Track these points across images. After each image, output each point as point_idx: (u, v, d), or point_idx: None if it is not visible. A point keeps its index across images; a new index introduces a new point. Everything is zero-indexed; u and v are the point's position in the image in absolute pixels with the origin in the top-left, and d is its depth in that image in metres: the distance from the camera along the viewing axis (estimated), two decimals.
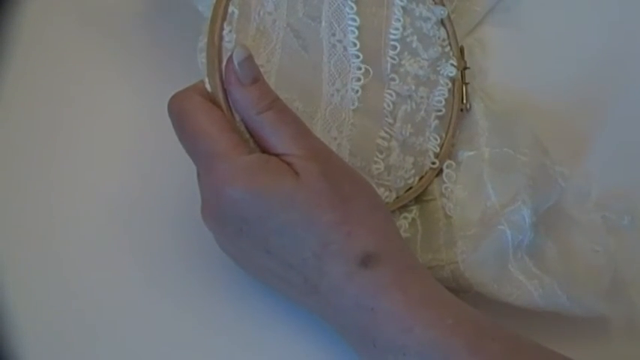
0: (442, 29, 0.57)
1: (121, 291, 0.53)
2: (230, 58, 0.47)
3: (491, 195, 0.54)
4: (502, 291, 0.52)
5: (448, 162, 0.56)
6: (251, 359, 0.52)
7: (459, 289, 0.53)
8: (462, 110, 0.57)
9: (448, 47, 0.57)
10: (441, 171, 0.56)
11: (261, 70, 0.50)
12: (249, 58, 0.47)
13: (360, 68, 0.53)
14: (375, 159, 0.53)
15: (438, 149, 0.56)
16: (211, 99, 0.48)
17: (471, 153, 0.56)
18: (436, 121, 0.56)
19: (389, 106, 0.54)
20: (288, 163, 0.47)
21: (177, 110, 0.48)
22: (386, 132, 0.54)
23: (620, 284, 0.54)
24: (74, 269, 0.53)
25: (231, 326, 0.52)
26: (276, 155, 0.47)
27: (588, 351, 0.53)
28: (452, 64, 0.57)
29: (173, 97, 0.48)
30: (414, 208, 0.55)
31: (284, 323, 0.52)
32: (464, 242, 0.53)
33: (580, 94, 0.60)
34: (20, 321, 0.51)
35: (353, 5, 0.53)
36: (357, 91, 0.53)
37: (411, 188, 0.55)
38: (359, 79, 0.53)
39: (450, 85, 0.57)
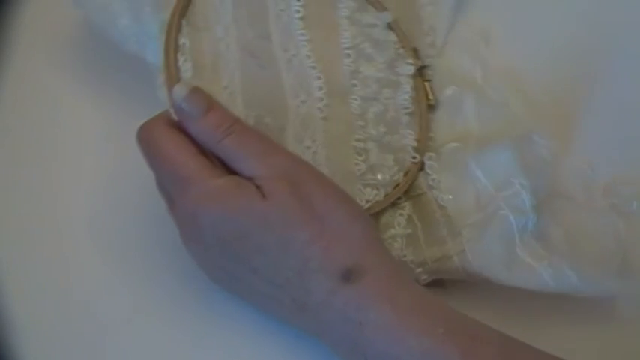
0: (391, 33, 0.58)
1: (120, 292, 0.53)
2: (174, 100, 0.48)
3: (480, 177, 0.54)
4: (511, 275, 0.52)
5: (428, 154, 0.56)
6: None
7: (469, 278, 0.53)
8: (430, 106, 0.58)
9: (401, 49, 0.58)
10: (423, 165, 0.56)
11: (227, 90, 0.51)
12: (192, 92, 0.48)
13: (319, 78, 0.54)
14: (356, 161, 0.54)
15: (416, 144, 0.56)
16: (178, 126, 0.49)
17: (457, 144, 0.56)
18: (407, 117, 0.56)
19: (357, 110, 0.55)
20: (258, 186, 0.47)
21: (145, 139, 0.49)
22: (360, 134, 0.54)
23: (630, 267, 0.54)
24: (74, 269, 0.53)
25: (226, 329, 0.52)
26: (248, 179, 0.47)
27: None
28: (408, 63, 0.58)
29: (141, 127, 0.49)
30: (407, 205, 0.55)
31: (275, 337, 0.52)
32: (468, 231, 0.53)
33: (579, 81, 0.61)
34: (20, 321, 0.51)
35: (298, 22, 0.55)
36: (322, 99, 0.54)
37: (398, 185, 0.55)
38: (321, 88, 0.54)
39: (412, 82, 0.57)
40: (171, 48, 0.51)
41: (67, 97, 0.58)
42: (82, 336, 0.51)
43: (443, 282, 0.54)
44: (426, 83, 0.58)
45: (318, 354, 0.50)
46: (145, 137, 0.49)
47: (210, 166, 0.48)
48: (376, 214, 0.54)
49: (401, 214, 0.54)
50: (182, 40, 0.51)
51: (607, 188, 0.56)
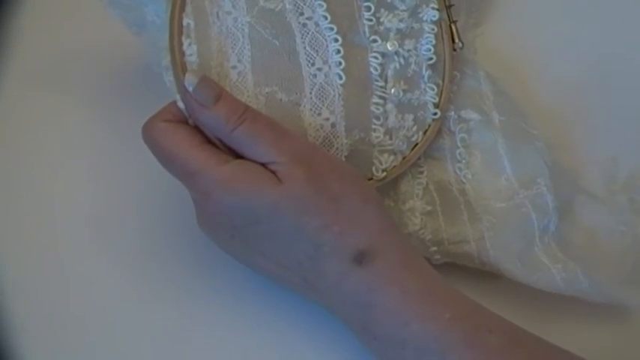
0: None
1: (119, 292, 0.53)
2: (184, 88, 0.47)
3: (506, 168, 0.53)
4: (525, 272, 0.52)
5: (461, 125, 0.54)
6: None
7: (481, 267, 0.53)
8: (455, 50, 0.55)
9: None
10: (446, 125, 0.54)
11: (235, 71, 0.49)
12: (202, 81, 0.47)
13: (337, 40, 0.51)
14: (374, 126, 0.52)
15: (437, 98, 0.54)
16: (184, 117, 0.48)
17: (480, 117, 0.54)
18: (429, 71, 0.54)
19: (376, 69, 0.52)
20: (273, 171, 0.46)
21: (148, 140, 0.48)
22: (379, 97, 0.52)
23: None
24: (73, 270, 0.54)
25: (230, 323, 0.53)
26: (262, 165, 0.47)
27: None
28: (433, 7, 0.54)
29: (142, 130, 0.48)
30: (425, 169, 0.54)
31: (288, 322, 0.53)
32: (489, 219, 0.53)
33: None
34: (20, 321, 0.52)
35: None
36: (340, 64, 0.51)
37: (416, 145, 0.53)
38: (338, 52, 0.51)
39: (437, 29, 0.54)
40: (176, 29, 0.48)
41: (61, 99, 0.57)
42: (82, 336, 0.52)
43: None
44: (453, 25, 0.55)
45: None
46: (148, 138, 0.48)
47: (216, 154, 0.47)
48: (396, 181, 0.53)
49: (419, 183, 0.53)
50: (187, 21, 0.48)
51: (626, 183, 0.55)
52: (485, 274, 0.54)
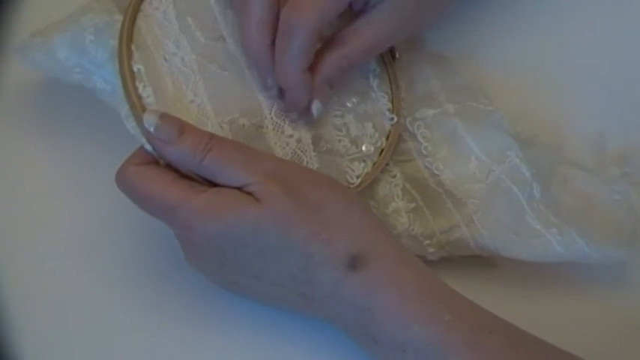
0: None
1: (120, 292, 0.53)
2: (145, 129, 0.47)
3: (473, 148, 0.54)
4: (521, 244, 0.52)
5: (418, 122, 0.55)
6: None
7: (478, 251, 0.53)
8: (394, 58, 0.57)
9: None
10: (406, 128, 0.56)
11: (194, 104, 0.50)
12: (162, 118, 0.48)
13: None
14: (338, 138, 0.53)
15: (390, 105, 0.55)
16: (154, 159, 0.48)
17: (435, 111, 0.56)
18: (376, 80, 0.55)
19: None
20: (249, 193, 0.46)
21: (123, 186, 0.48)
22: (337, 109, 0.53)
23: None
24: (73, 270, 0.53)
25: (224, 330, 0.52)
26: (237, 189, 0.47)
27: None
28: None
29: (116, 178, 0.48)
30: (397, 172, 0.55)
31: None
32: (473, 202, 0.53)
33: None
34: (20, 321, 0.51)
35: None
36: None
37: (382, 150, 0.54)
38: None
39: None
40: (128, 77, 0.49)
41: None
42: (82, 336, 0.52)
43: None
44: None
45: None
46: (122, 183, 0.48)
47: (191, 186, 0.47)
48: (373, 188, 0.54)
49: (396, 185, 0.54)
50: (136, 67, 0.49)
51: (620, 157, 0.57)
52: (478, 274, 0.54)
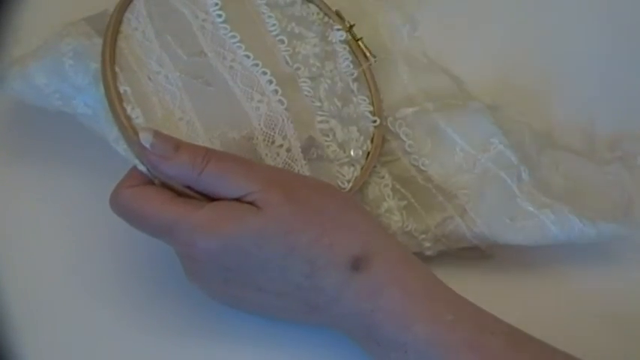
0: (310, 5, 0.57)
1: (120, 292, 0.52)
2: (142, 147, 0.47)
3: (456, 140, 0.55)
4: (516, 227, 0.53)
5: (399, 121, 0.56)
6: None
7: (475, 241, 0.54)
8: (370, 63, 0.57)
9: (326, 17, 0.57)
10: (388, 129, 0.56)
11: (183, 122, 0.50)
12: (157, 134, 0.47)
13: (265, 73, 0.52)
14: (327, 143, 0.53)
15: (372, 107, 0.56)
16: (148, 179, 0.48)
17: (414, 108, 0.56)
18: (356, 84, 0.56)
19: (309, 92, 0.54)
20: (250, 202, 0.46)
21: (118, 209, 0.48)
22: (321, 115, 0.53)
23: (633, 217, 0.55)
24: (73, 272, 0.53)
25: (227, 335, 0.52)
26: (237, 200, 0.47)
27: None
28: (338, 29, 0.57)
29: (110, 201, 0.48)
30: (385, 173, 0.55)
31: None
32: (464, 193, 0.54)
33: None
34: (20, 321, 0.51)
35: (226, 25, 0.53)
36: (277, 92, 0.52)
37: (369, 153, 0.55)
38: (271, 82, 0.52)
39: (348, 47, 0.57)
40: (115, 99, 0.48)
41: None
42: (81, 336, 0.51)
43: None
44: (360, 42, 0.57)
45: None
46: (117, 206, 0.48)
47: (189, 203, 0.47)
48: (363, 191, 0.54)
49: (385, 185, 0.54)
50: (122, 88, 0.49)
51: (611, 142, 0.58)
52: (474, 267, 0.55)
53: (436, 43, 0.60)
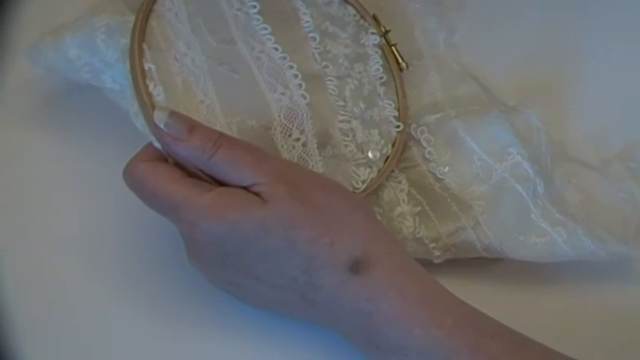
0: (348, 6, 0.57)
1: (120, 292, 0.53)
2: (157, 125, 0.47)
3: (474, 148, 0.55)
4: (527, 243, 0.53)
5: (421, 127, 0.56)
6: None
7: (484, 253, 0.53)
8: (401, 70, 0.57)
9: (362, 20, 0.57)
10: (410, 135, 0.56)
11: (204, 105, 0.50)
12: (172, 114, 0.48)
13: (292, 67, 0.53)
14: (345, 143, 0.53)
15: (397, 112, 0.56)
16: (163, 156, 0.49)
17: (437, 115, 0.56)
18: (383, 88, 0.56)
19: (334, 91, 0.54)
20: (256, 193, 0.47)
21: (130, 181, 0.48)
22: (342, 115, 0.54)
23: None
24: (73, 270, 0.53)
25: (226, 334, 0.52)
26: (244, 188, 0.47)
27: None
28: (372, 33, 0.57)
29: (124, 173, 0.48)
30: (402, 179, 0.55)
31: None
32: (479, 204, 0.53)
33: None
34: (20, 321, 0.51)
35: (257, 17, 0.53)
36: (301, 86, 0.52)
37: (388, 157, 0.54)
38: (297, 76, 0.53)
39: (380, 51, 0.57)
40: (139, 75, 0.49)
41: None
42: (81, 336, 0.51)
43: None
44: (394, 48, 0.57)
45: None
46: (129, 179, 0.48)
47: (198, 184, 0.47)
48: (378, 193, 0.54)
49: (401, 190, 0.54)
50: (148, 65, 0.50)
51: (623, 152, 0.57)
52: (479, 271, 0.54)
53: (471, 50, 0.60)
